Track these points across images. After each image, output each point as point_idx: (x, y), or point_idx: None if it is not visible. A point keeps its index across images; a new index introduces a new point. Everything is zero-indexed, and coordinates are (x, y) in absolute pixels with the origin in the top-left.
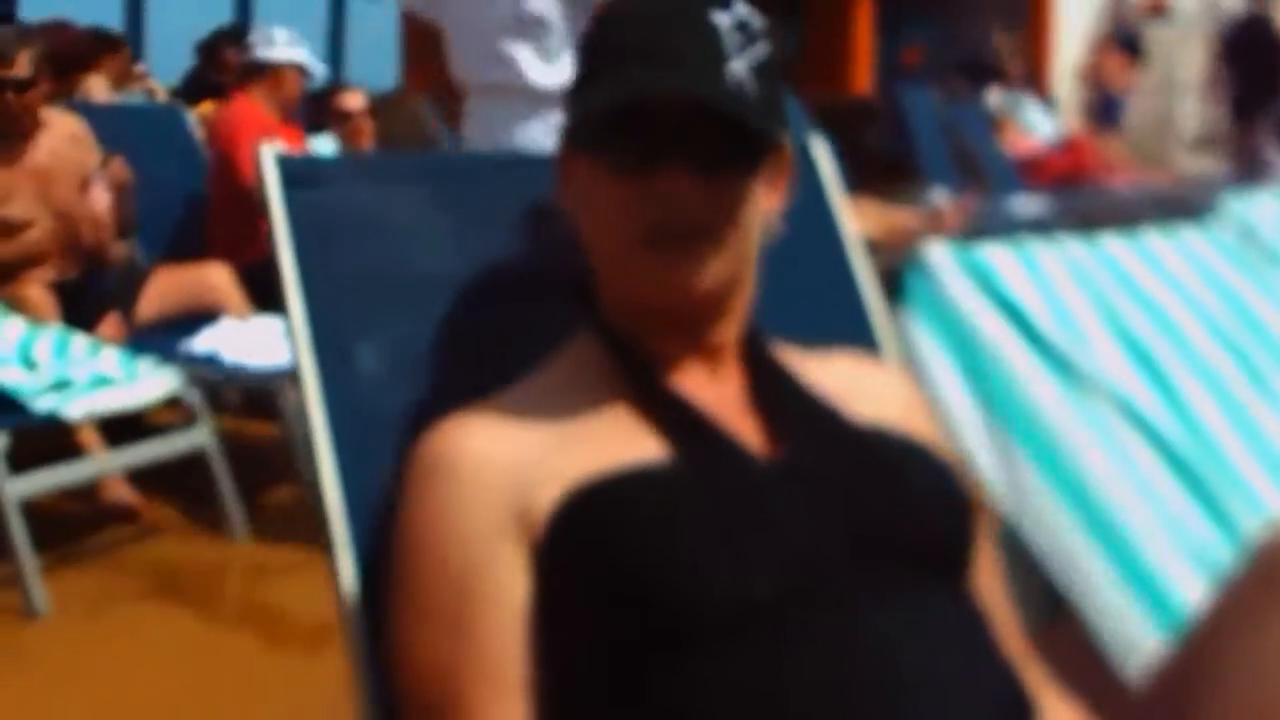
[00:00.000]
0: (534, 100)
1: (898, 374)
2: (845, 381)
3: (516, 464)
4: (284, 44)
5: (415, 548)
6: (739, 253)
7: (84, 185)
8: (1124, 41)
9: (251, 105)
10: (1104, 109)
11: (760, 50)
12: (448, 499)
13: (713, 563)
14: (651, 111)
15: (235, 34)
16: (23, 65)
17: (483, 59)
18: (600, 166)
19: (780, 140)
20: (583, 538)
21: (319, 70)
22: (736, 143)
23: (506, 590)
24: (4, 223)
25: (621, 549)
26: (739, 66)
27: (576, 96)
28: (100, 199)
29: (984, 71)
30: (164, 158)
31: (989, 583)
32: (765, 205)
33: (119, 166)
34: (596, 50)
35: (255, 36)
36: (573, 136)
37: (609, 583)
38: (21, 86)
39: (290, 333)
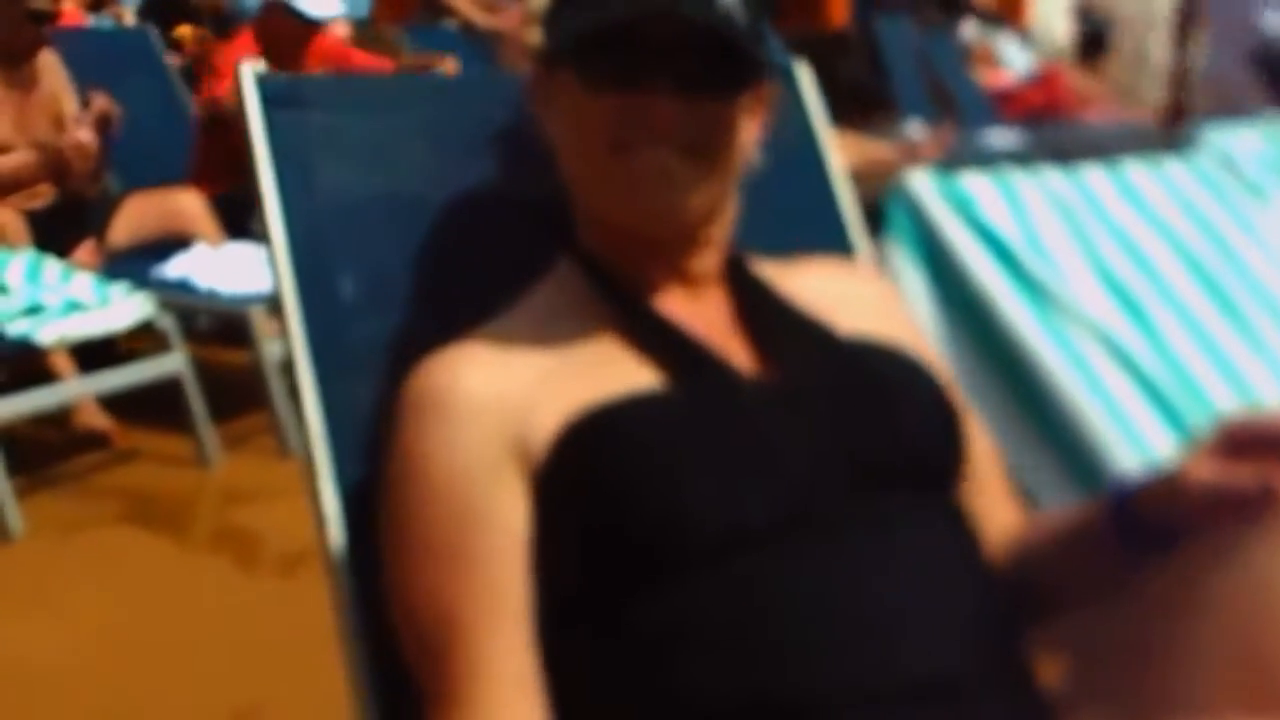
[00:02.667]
0: None
1: (875, 278)
2: (828, 292)
3: (510, 397)
4: None
5: (412, 484)
6: (721, 180)
7: (58, 117)
8: None
9: (245, 50)
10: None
11: None
12: (443, 436)
13: (709, 490)
14: (641, 32)
15: None
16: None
17: None
18: (581, 82)
19: (765, 70)
20: (582, 466)
21: (323, 7)
22: (722, 68)
23: (506, 521)
24: None
25: (619, 476)
26: None
27: (561, 13)
28: (87, 136)
29: (958, 4)
30: (135, 82)
31: (984, 479)
32: (746, 136)
33: (104, 102)
34: None
35: None
36: (555, 52)
37: (607, 509)
38: (43, 19)
39: (271, 256)
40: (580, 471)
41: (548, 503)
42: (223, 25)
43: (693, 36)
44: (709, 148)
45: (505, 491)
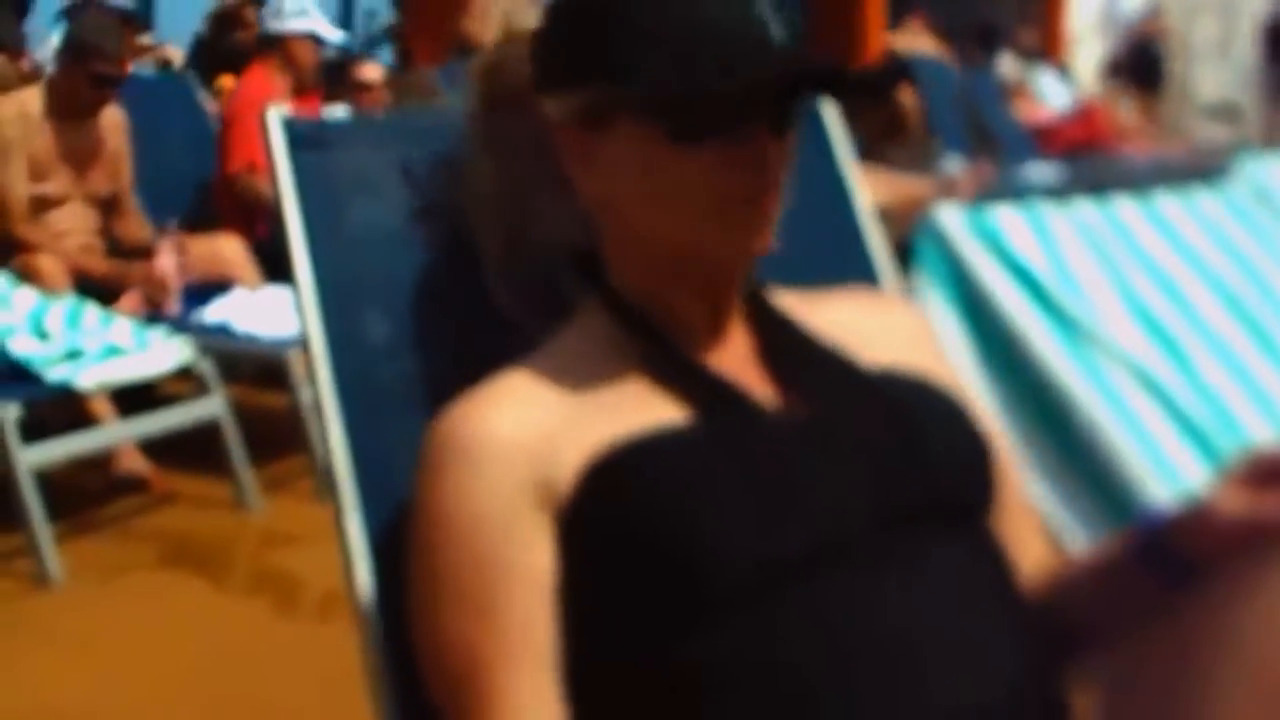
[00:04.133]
0: None
1: (901, 306)
2: (852, 324)
3: (536, 440)
4: (292, 14)
5: (438, 529)
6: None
7: (115, 174)
8: None
9: (264, 81)
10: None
11: (788, 7)
12: (469, 482)
13: (739, 526)
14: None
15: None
16: (121, 63)
17: None
18: (661, 134)
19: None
20: (608, 504)
21: (335, 37)
22: (796, 101)
23: (532, 565)
24: (38, 199)
25: (648, 514)
26: (776, 28)
27: (621, 66)
28: (168, 264)
29: (996, 38)
30: (173, 128)
31: (1014, 512)
32: None
33: (181, 240)
34: (627, 17)
35: (266, 9)
36: (614, 109)
37: (636, 549)
38: (116, 83)
39: (297, 297)
40: (605, 508)
41: (573, 543)
42: None
43: (796, 82)
44: (786, 179)
45: (531, 538)
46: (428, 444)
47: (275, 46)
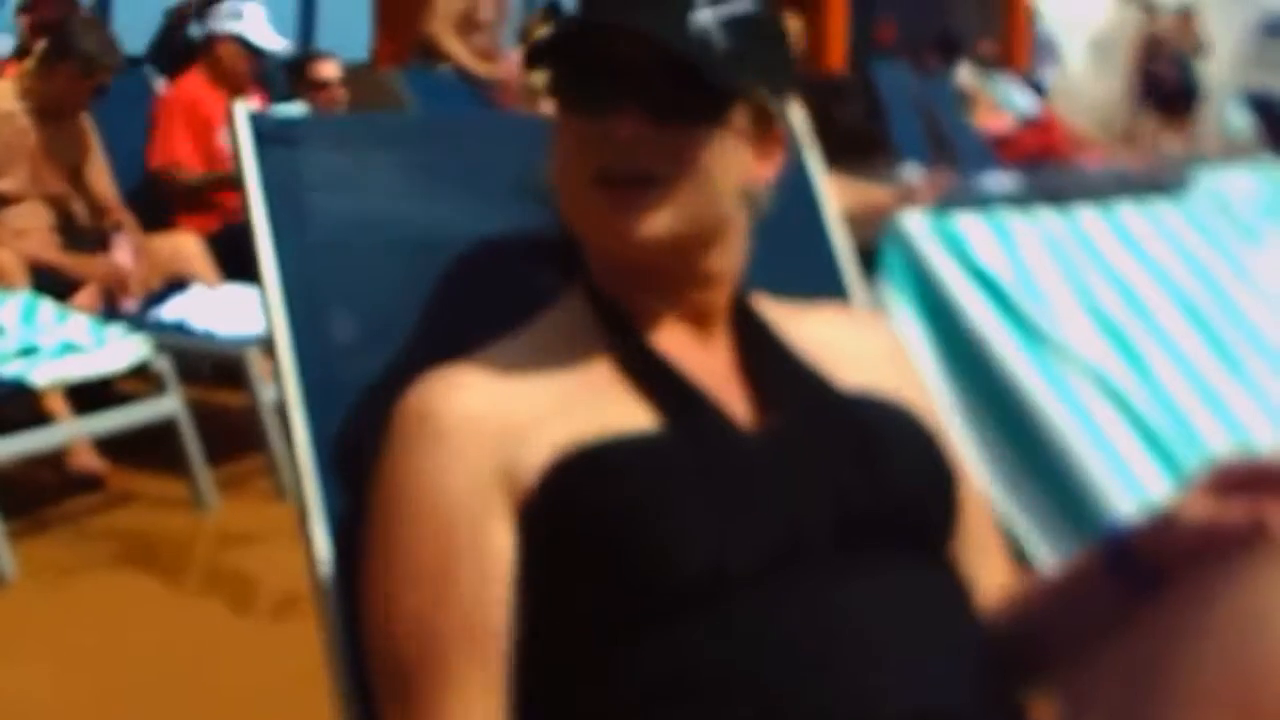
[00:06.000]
0: None
1: (882, 329)
2: (831, 342)
3: (503, 422)
4: (225, 16)
5: (397, 503)
6: (696, 206)
7: (75, 172)
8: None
9: (195, 84)
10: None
11: (738, 6)
12: (433, 455)
13: (694, 535)
14: (611, 55)
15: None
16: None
17: None
18: (563, 109)
19: (743, 94)
20: (569, 504)
21: (273, 45)
22: (694, 92)
23: (490, 550)
24: None
25: (607, 518)
26: (706, 16)
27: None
28: (125, 257)
29: (955, 48)
30: (128, 124)
31: (977, 540)
32: (752, 172)
33: (138, 239)
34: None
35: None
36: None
37: (592, 551)
38: (100, 91)
39: (263, 293)
40: (566, 508)
41: (533, 538)
42: None
43: (665, 60)
44: (682, 172)
45: (492, 520)
46: (395, 417)
47: (204, 50)
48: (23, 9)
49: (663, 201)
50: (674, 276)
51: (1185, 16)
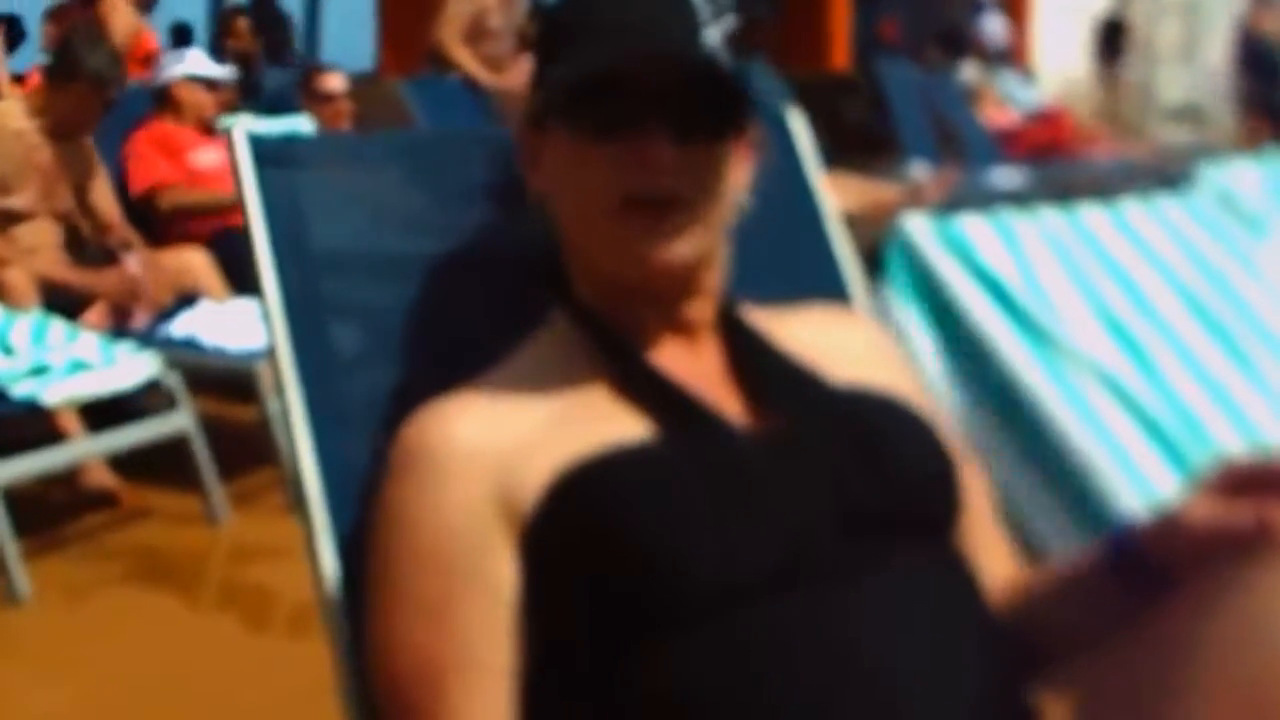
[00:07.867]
0: None
1: (868, 325)
2: (820, 341)
3: (500, 450)
4: (169, 64)
5: (399, 536)
6: (715, 224)
7: (80, 189)
8: None
9: (159, 128)
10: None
11: (730, 22)
12: (432, 488)
13: (703, 544)
14: (632, 78)
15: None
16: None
17: None
18: (579, 133)
19: (752, 112)
20: (570, 521)
21: (215, 71)
22: (713, 111)
23: (492, 578)
24: (3, 214)
25: (611, 532)
26: (713, 35)
27: (551, 68)
28: (137, 271)
29: (960, 43)
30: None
31: (980, 528)
32: (735, 179)
33: (146, 254)
34: (569, 23)
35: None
36: (546, 110)
37: (599, 566)
38: (111, 107)
39: (265, 312)
40: (569, 525)
41: (536, 558)
42: None
43: (686, 81)
44: (706, 192)
45: (493, 550)
46: (395, 449)
47: (165, 101)
48: (49, 17)
49: (690, 223)
50: (673, 292)
51: None
